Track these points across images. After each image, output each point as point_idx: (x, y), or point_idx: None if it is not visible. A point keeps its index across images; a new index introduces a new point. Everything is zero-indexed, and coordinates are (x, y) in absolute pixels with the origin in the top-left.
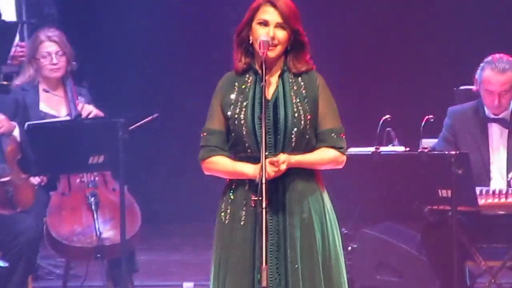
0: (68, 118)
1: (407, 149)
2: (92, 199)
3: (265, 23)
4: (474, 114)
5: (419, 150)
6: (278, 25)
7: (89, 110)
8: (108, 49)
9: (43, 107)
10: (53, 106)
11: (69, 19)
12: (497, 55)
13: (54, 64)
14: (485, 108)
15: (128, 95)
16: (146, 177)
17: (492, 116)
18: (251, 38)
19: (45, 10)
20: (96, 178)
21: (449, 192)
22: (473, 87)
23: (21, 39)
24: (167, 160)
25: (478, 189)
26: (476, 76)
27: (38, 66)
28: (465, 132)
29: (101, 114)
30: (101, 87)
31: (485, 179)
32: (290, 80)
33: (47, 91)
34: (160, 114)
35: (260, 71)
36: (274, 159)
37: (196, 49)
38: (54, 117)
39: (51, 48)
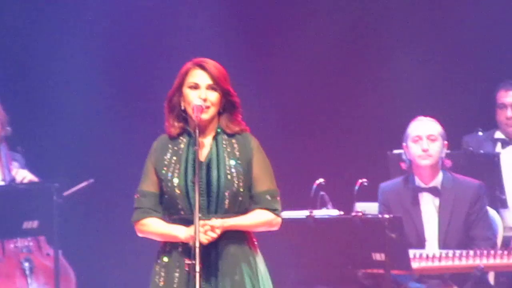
0: (2, 183)
1: (341, 213)
2: (26, 264)
3: (195, 86)
4: (404, 186)
5: (352, 214)
6: (209, 87)
7: (23, 175)
8: (43, 114)
9: None
10: None
11: (2, 85)
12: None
13: None
14: (415, 178)
15: (63, 160)
16: (81, 242)
17: (423, 185)
18: (182, 103)
19: None
20: (31, 243)
21: (383, 255)
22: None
23: None
24: (102, 225)
25: (411, 253)
26: (407, 132)
27: None
28: (397, 205)
29: (35, 179)
30: (35, 152)
31: (420, 247)
32: (224, 142)
33: None
34: (95, 180)
35: (193, 134)
36: (208, 223)
37: (129, 114)
38: None
39: None
